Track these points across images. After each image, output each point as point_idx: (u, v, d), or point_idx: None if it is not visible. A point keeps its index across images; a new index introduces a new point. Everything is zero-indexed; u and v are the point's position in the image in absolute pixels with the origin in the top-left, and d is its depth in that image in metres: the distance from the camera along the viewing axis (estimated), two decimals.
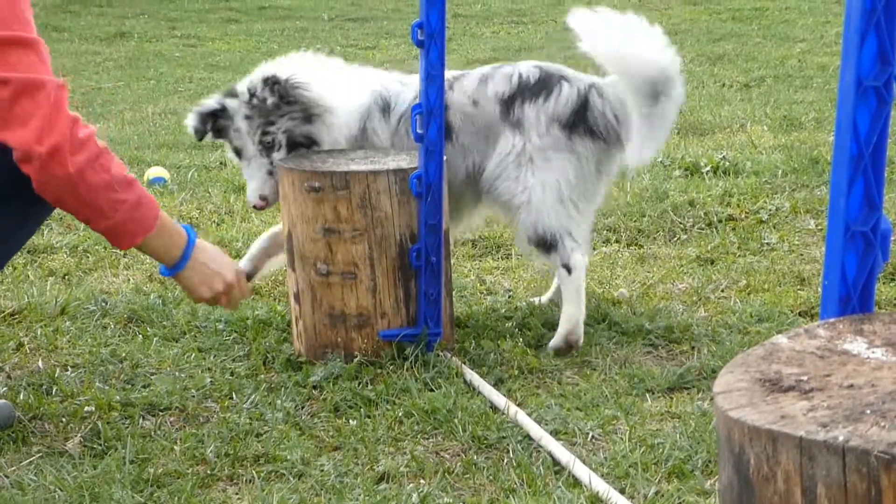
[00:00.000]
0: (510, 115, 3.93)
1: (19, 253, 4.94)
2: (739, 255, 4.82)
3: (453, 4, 14.52)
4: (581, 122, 3.94)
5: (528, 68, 4.02)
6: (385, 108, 3.99)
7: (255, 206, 4.05)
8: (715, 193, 5.56)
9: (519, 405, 3.42)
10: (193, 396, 3.57)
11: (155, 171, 6.21)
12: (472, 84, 4.00)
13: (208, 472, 3.09)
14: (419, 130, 3.71)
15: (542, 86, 3.96)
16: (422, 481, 3.02)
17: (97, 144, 3.13)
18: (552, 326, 4.02)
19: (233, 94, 4.00)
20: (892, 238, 2.25)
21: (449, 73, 3.99)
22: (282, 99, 3.92)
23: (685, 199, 5.46)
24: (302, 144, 3.95)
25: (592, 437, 3.24)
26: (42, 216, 3.46)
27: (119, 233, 3.22)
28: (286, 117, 3.93)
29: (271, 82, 3.92)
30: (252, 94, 3.94)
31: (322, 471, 3.07)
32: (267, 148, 3.94)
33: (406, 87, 4.02)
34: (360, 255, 3.74)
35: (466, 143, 3.97)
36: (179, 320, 4.16)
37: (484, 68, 4.09)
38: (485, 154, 3.96)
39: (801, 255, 4.80)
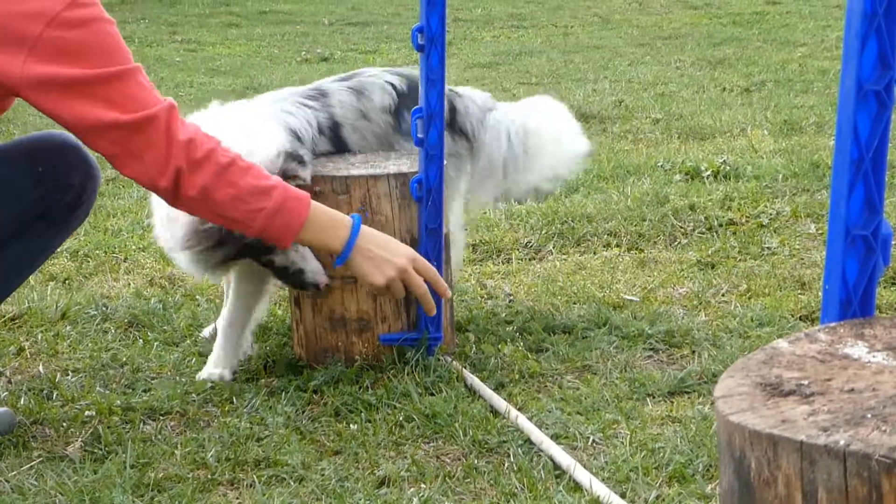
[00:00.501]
0: (401, 125, 3.97)
1: None
2: (740, 260, 4.82)
3: (454, 9, 14.54)
4: (454, 122, 4.06)
5: (394, 79, 4.01)
6: (300, 140, 3.86)
7: (326, 285, 3.67)
8: (715, 198, 5.56)
9: (520, 409, 3.41)
10: (194, 401, 3.57)
11: None
12: (350, 98, 3.94)
13: (209, 476, 3.09)
14: (420, 135, 3.71)
15: (416, 94, 3.95)
16: (422, 486, 3.01)
17: (219, 159, 3.16)
18: (553, 331, 4.02)
19: None
20: (893, 242, 2.25)
21: (305, 90, 3.93)
22: None
23: (686, 204, 5.47)
24: None
25: (593, 441, 3.23)
26: (61, 239, 3.50)
27: (265, 238, 3.32)
28: None
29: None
30: None
31: (323, 475, 3.07)
32: None
33: (303, 107, 3.89)
34: None
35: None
36: (180, 325, 4.16)
37: (338, 82, 3.99)
38: None
39: (802, 259, 4.80)
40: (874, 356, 1.85)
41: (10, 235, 3.31)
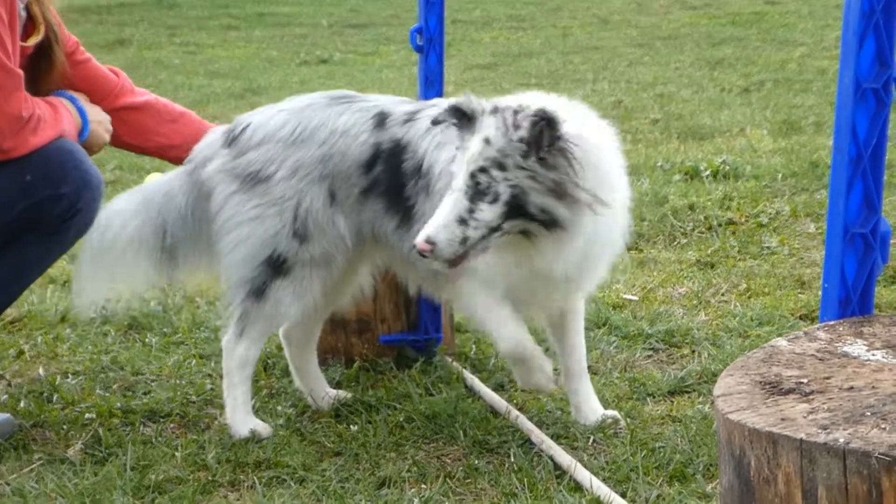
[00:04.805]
0: None
1: None
2: (739, 259, 4.83)
3: (452, 10, 14.53)
4: None
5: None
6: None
7: (420, 251, 2.99)
8: (715, 197, 5.56)
9: (520, 409, 3.41)
10: (194, 403, 3.57)
11: (154, 177, 6.21)
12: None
13: (209, 478, 3.09)
14: None
15: None
16: (423, 486, 3.01)
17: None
18: None
19: (493, 110, 3.04)
20: (892, 240, 2.25)
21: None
22: (546, 147, 3.00)
23: (685, 204, 5.47)
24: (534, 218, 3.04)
25: (593, 441, 3.23)
26: (56, 253, 3.38)
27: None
28: (527, 172, 3.00)
29: (542, 119, 2.99)
30: (512, 126, 2.99)
31: (323, 476, 3.07)
32: (478, 192, 3.01)
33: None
34: None
35: None
36: (180, 327, 4.15)
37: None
38: None
39: (801, 258, 4.80)
40: (873, 354, 1.86)
41: None
